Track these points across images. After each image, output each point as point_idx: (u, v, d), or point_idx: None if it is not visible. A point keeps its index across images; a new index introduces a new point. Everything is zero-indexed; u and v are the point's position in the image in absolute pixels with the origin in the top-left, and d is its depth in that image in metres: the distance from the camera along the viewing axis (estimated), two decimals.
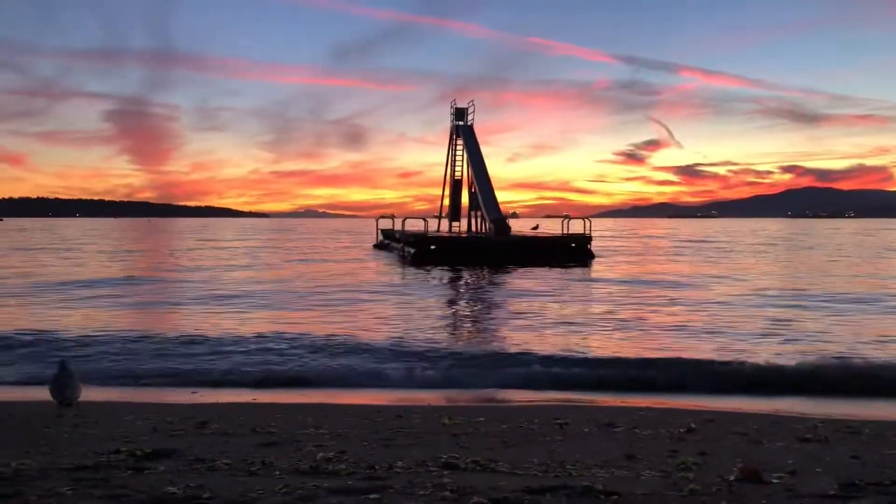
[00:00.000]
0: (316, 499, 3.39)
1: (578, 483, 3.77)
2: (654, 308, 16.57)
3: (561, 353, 10.68)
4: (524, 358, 10.35)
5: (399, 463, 4.43)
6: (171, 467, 4.15)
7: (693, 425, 6.27)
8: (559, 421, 6.46)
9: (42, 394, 6.77)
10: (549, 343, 11.67)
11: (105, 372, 9.64)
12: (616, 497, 3.50)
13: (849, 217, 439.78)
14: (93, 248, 46.50)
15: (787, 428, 6.34)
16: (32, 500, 3.32)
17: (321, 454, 4.71)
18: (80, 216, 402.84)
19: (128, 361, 10.27)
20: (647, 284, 22.19)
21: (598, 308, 16.29)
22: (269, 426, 6.07)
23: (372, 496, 3.46)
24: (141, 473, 3.94)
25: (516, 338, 12.30)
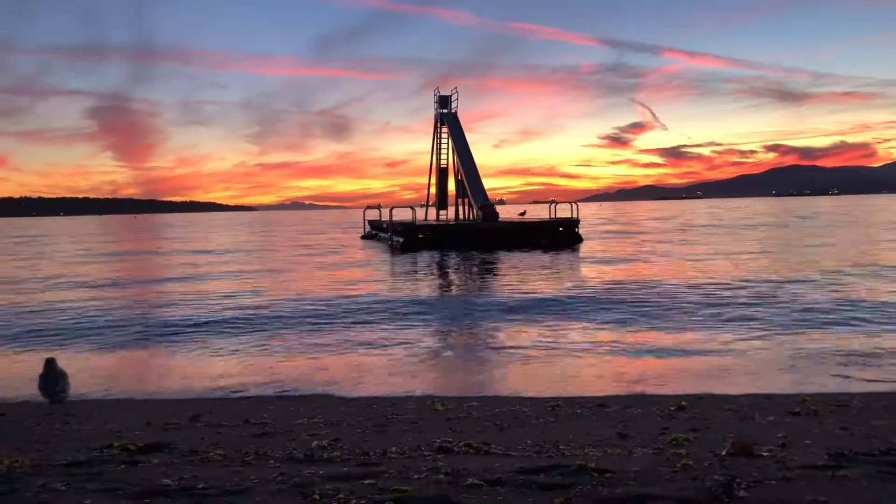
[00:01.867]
0: (311, 485, 3.40)
1: (572, 462, 3.79)
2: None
3: None
4: None
5: (393, 448, 4.44)
6: (164, 460, 4.14)
7: (684, 403, 6.34)
8: (551, 403, 6.50)
9: (31, 392, 6.72)
10: None
11: None
12: (609, 474, 3.52)
13: (832, 195, 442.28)
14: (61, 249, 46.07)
15: (777, 403, 6.42)
16: (27, 496, 3.30)
17: (315, 442, 4.72)
18: (64, 215, 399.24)
19: None
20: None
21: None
22: (262, 417, 6.08)
23: (367, 481, 3.47)
24: (135, 467, 3.92)
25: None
